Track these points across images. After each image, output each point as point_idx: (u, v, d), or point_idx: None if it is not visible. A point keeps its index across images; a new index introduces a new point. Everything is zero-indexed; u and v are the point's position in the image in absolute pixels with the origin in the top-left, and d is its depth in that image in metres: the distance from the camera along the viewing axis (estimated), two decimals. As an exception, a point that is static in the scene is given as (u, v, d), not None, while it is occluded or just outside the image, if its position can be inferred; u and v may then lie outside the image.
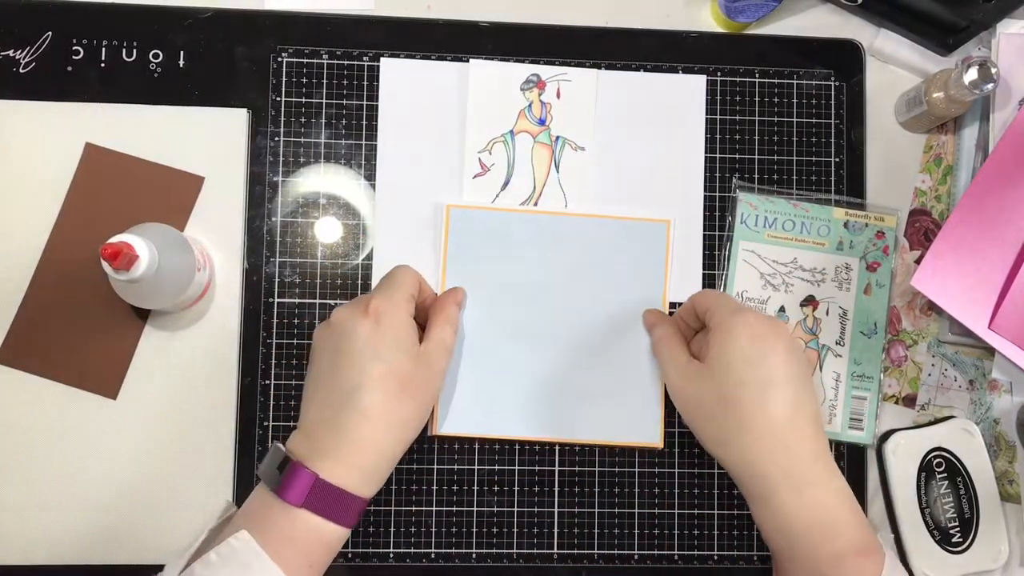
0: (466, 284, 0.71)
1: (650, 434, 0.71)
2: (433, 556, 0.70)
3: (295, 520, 0.57)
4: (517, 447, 0.71)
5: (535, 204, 0.72)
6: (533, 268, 0.72)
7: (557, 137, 0.72)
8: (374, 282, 0.71)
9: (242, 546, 0.56)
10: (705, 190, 0.74)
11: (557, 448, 0.72)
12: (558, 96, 0.73)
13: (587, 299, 0.72)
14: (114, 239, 0.57)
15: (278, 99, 0.73)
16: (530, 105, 0.73)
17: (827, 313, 0.73)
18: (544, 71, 0.73)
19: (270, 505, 0.58)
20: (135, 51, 0.72)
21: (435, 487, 0.71)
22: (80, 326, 0.69)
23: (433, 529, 0.71)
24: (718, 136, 0.74)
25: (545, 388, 0.71)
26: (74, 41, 0.72)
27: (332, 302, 0.71)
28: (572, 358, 0.71)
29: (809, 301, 0.73)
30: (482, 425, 0.71)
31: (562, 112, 0.73)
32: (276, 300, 0.71)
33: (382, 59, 0.73)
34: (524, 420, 0.71)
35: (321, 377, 0.62)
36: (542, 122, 0.73)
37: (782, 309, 0.73)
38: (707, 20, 0.76)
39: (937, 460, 0.72)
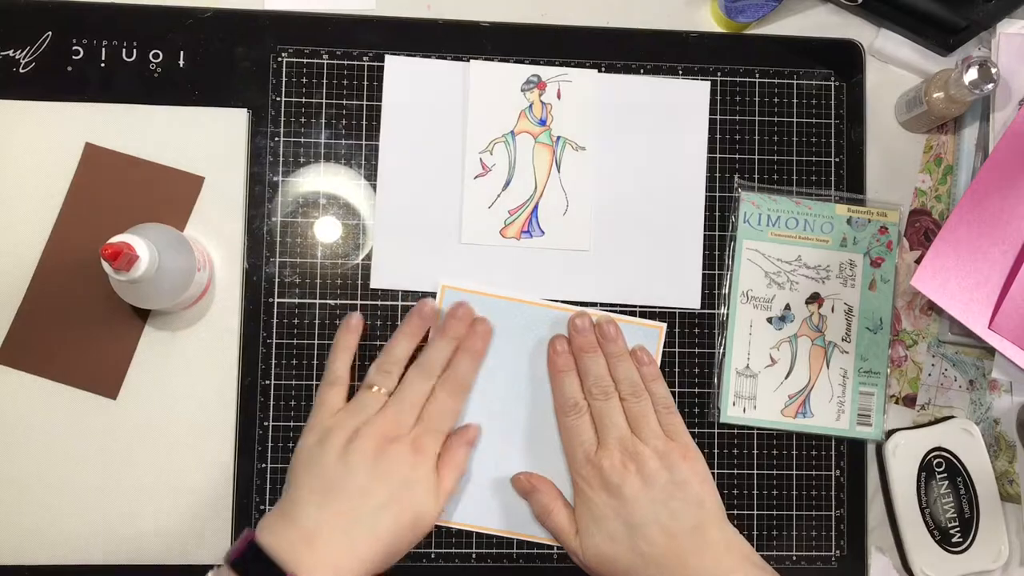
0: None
1: None
2: (433, 556, 0.70)
3: None
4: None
5: (536, 204, 0.72)
6: (521, 359, 0.71)
7: (558, 137, 0.72)
8: (373, 282, 0.71)
9: None
10: (705, 190, 0.74)
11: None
12: (559, 96, 0.73)
13: None
14: (114, 239, 0.57)
15: (278, 99, 0.72)
16: (531, 106, 0.73)
17: (832, 310, 0.73)
18: (544, 72, 0.73)
19: None
20: (135, 51, 0.72)
21: (435, 487, 0.71)
22: (80, 326, 0.69)
23: (432, 529, 0.70)
24: (718, 136, 0.74)
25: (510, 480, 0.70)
26: (74, 41, 0.71)
27: (332, 302, 0.71)
28: (550, 454, 0.70)
29: (814, 298, 0.73)
30: (449, 513, 0.70)
31: (563, 112, 0.73)
32: (276, 300, 0.71)
33: (386, 56, 0.73)
34: (492, 512, 0.70)
35: (331, 471, 0.62)
36: (543, 123, 0.73)
37: (788, 307, 0.73)
38: (707, 20, 0.76)
39: (937, 460, 0.72)
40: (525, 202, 0.72)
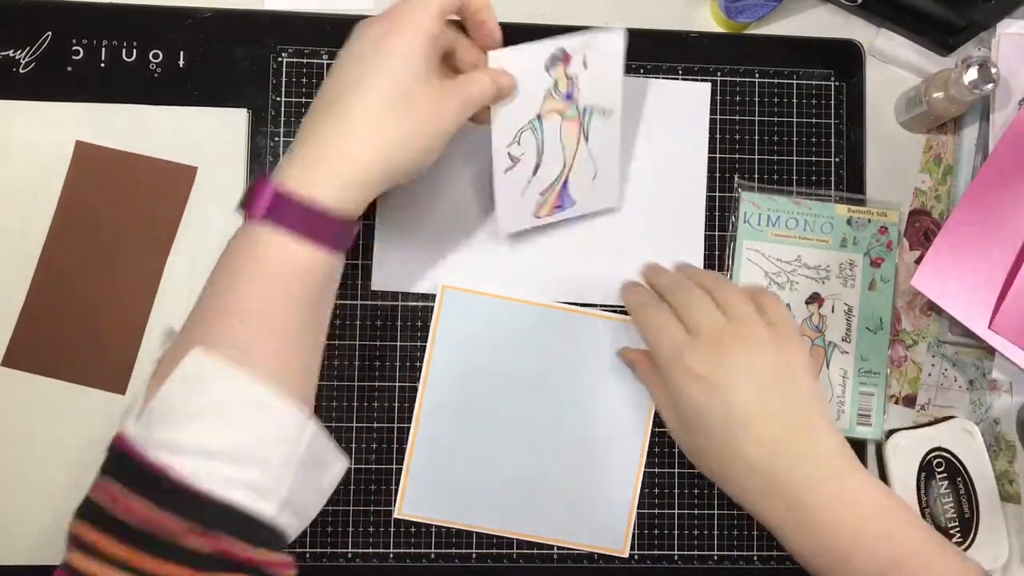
0: (452, 368, 0.71)
1: (615, 541, 0.71)
2: (433, 556, 0.70)
3: (257, 240, 0.52)
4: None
5: (566, 179, 0.69)
6: (521, 359, 0.71)
7: (585, 108, 0.68)
8: (374, 283, 0.71)
9: (193, 365, 0.50)
10: (705, 190, 0.74)
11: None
12: (585, 66, 0.67)
13: (573, 397, 0.71)
14: None
15: (278, 99, 0.72)
16: (556, 83, 0.67)
17: (832, 310, 0.73)
18: (569, 43, 0.65)
19: (238, 237, 0.54)
20: (135, 51, 0.72)
21: (435, 487, 0.71)
22: (83, 324, 0.69)
23: (433, 529, 0.70)
24: (718, 136, 0.74)
25: (518, 482, 0.70)
26: (74, 41, 0.71)
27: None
28: (549, 455, 0.71)
29: (814, 298, 0.73)
30: (449, 513, 0.70)
31: (589, 81, 0.67)
32: (276, 300, 0.71)
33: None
34: (491, 512, 0.70)
35: (321, 86, 0.56)
36: (569, 96, 0.67)
37: (788, 307, 0.73)
38: (707, 20, 0.76)
39: (937, 460, 0.72)
40: (555, 180, 0.70)
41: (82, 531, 0.48)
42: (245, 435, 0.50)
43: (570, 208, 0.71)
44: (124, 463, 0.49)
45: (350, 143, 0.53)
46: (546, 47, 0.65)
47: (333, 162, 0.53)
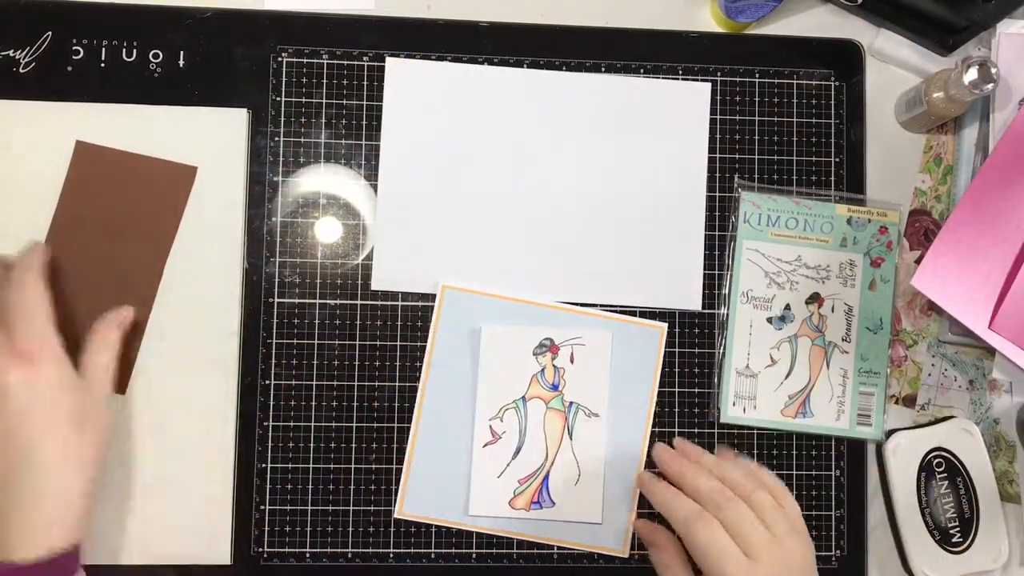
0: (452, 367, 0.71)
1: (616, 540, 0.71)
2: (433, 556, 0.70)
3: None
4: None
5: (547, 474, 0.71)
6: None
7: (571, 403, 0.71)
8: (374, 283, 0.71)
9: None
10: (705, 190, 0.74)
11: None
12: (572, 361, 0.71)
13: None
14: None
15: (278, 99, 0.72)
16: (543, 370, 0.71)
17: (832, 310, 0.73)
18: (557, 335, 0.71)
19: None
20: (135, 51, 0.72)
21: (435, 487, 0.71)
22: (83, 324, 0.68)
23: (433, 529, 0.70)
24: (718, 136, 0.74)
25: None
26: (74, 41, 0.71)
27: (332, 302, 0.71)
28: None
29: (814, 298, 0.73)
30: (449, 513, 0.70)
31: (575, 377, 0.71)
32: (276, 300, 0.71)
33: (387, 58, 0.73)
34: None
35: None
36: (555, 387, 0.71)
37: (788, 307, 0.73)
38: (707, 20, 0.76)
39: (937, 460, 0.72)
40: (535, 471, 0.71)
41: None
42: None
43: (548, 509, 0.71)
44: None
45: (60, 490, 0.57)
46: (535, 333, 0.70)
47: (53, 516, 0.56)
